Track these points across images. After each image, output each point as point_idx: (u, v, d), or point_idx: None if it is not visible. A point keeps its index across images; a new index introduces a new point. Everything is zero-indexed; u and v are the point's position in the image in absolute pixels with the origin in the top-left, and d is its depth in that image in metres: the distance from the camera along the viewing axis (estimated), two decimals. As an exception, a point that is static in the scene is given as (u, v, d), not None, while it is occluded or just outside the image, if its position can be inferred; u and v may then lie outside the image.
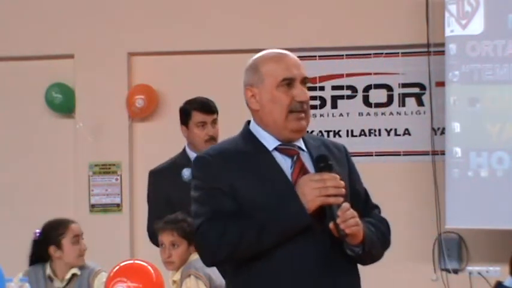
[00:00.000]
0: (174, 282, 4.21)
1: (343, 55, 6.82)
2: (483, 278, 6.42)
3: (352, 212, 2.72)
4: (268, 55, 2.90)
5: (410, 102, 6.75)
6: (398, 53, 6.75)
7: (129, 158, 6.93)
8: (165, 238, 4.22)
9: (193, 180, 2.88)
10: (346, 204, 2.73)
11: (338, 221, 2.68)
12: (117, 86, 6.91)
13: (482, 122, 6.13)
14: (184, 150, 4.82)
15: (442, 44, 6.31)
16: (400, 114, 6.76)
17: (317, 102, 6.82)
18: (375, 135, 6.76)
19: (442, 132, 6.50)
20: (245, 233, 2.70)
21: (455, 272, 6.57)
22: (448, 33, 6.23)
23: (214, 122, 4.77)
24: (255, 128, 2.90)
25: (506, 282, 4.47)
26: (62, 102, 6.95)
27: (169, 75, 6.94)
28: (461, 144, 6.18)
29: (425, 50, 6.56)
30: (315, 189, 2.70)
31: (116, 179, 6.94)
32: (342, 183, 2.74)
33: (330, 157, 2.80)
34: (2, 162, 7.12)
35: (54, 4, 7.02)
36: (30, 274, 4.59)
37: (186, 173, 4.64)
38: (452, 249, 6.56)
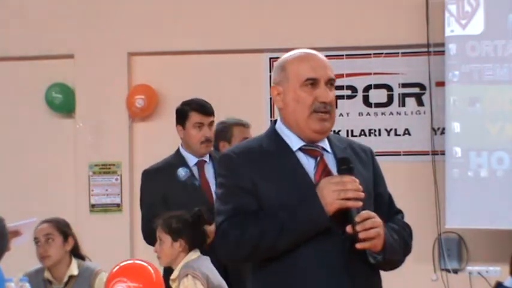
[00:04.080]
0: (173, 281, 4.22)
1: (343, 55, 6.81)
2: (483, 278, 6.42)
3: (372, 222, 2.71)
4: (295, 54, 2.91)
5: (410, 102, 6.75)
6: (398, 53, 6.74)
7: (129, 158, 6.93)
8: (157, 234, 4.28)
9: (218, 178, 2.91)
10: (366, 213, 2.71)
11: (357, 228, 2.68)
12: (117, 86, 6.91)
13: (482, 122, 6.13)
14: (178, 150, 4.81)
15: (442, 44, 6.31)
16: (400, 114, 6.75)
17: (317, 102, 6.82)
18: (375, 135, 6.75)
19: (442, 132, 6.49)
20: (265, 233, 2.70)
21: (455, 272, 6.56)
22: (448, 33, 6.23)
23: (211, 124, 4.75)
24: (280, 127, 2.90)
25: (506, 283, 4.47)
26: (62, 102, 6.95)
27: (169, 75, 6.94)
28: (461, 144, 6.18)
29: (425, 50, 6.56)
30: (334, 192, 2.69)
31: (116, 179, 6.94)
32: (361, 187, 2.73)
33: (351, 160, 2.80)
34: (2, 162, 7.12)
35: (54, 4, 7.02)
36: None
37: (182, 172, 4.64)
38: (452, 249, 6.55)
